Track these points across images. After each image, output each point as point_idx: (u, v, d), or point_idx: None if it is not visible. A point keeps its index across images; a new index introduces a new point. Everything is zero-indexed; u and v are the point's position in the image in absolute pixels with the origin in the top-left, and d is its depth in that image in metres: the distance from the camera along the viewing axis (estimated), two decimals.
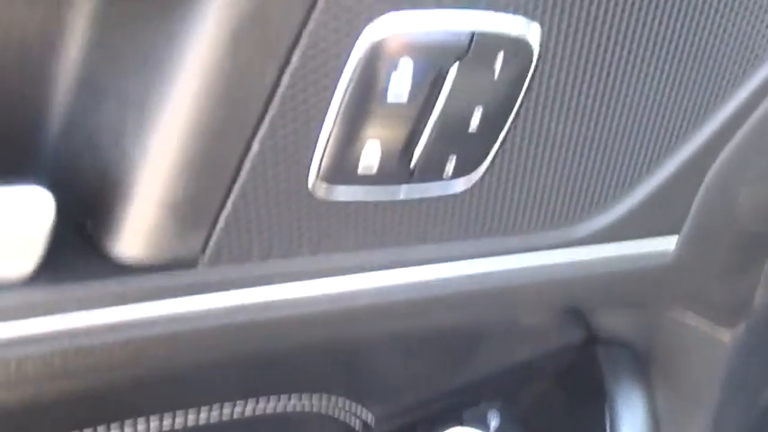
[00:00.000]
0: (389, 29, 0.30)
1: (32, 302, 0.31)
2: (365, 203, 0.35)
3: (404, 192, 0.35)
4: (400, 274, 0.38)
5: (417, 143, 0.33)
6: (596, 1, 0.34)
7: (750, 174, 0.45)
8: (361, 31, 0.30)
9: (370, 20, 0.30)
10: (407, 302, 0.39)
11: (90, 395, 0.35)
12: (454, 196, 0.37)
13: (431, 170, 0.35)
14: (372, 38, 0.30)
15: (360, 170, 0.33)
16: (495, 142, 0.36)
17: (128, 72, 0.30)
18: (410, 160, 0.34)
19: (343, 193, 0.34)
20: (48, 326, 0.31)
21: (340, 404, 0.50)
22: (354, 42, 0.30)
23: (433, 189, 0.36)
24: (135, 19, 0.29)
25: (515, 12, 0.32)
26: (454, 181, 0.36)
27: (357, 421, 0.52)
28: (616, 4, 0.35)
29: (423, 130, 0.33)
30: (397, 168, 0.34)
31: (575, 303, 0.46)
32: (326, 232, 0.35)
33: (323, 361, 0.47)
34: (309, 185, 0.33)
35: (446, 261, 0.39)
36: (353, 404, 0.50)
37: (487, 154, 0.36)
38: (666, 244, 0.46)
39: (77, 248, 0.33)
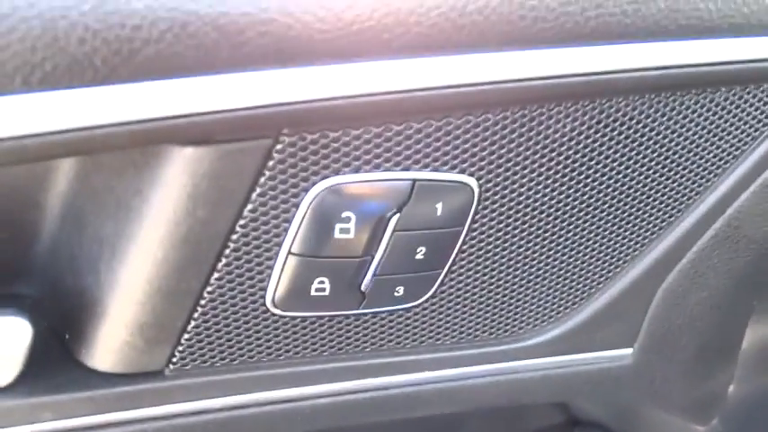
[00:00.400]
0: (333, 186, 0.34)
1: (11, 407, 0.35)
2: (321, 317, 0.38)
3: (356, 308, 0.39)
4: (358, 382, 0.41)
5: (366, 275, 0.36)
6: (531, 157, 0.37)
7: (702, 290, 0.47)
8: (307, 190, 0.33)
9: (313, 183, 0.33)
10: (365, 403, 0.43)
11: None
12: (407, 310, 0.40)
13: (381, 297, 0.38)
14: (317, 195, 0.33)
15: (312, 295, 0.36)
16: (441, 271, 0.38)
17: (103, 212, 0.34)
18: (360, 288, 0.37)
19: (299, 311, 0.38)
20: (26, 428, 0.36)
21: None
22: (300, 202, 0.33)
23: (386, 305, 0.39)
24: (112, 170, 0.33)
25: (452, 171, 0.35)
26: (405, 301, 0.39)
27: None
28: (551, 161, 0.38)
29: (370, 264, 0.36)
30: (347, 296, 0.37)
31: (534, 401, 0.49)
32: (284, 345, 0.39)
33: None
34: (267, 303, 0.36)
35: (402, 372, 0.42)
36: None
37: (434, 281, 0.39)
38: (622, 352, 0.48)
39: (56, 356, 0.37)
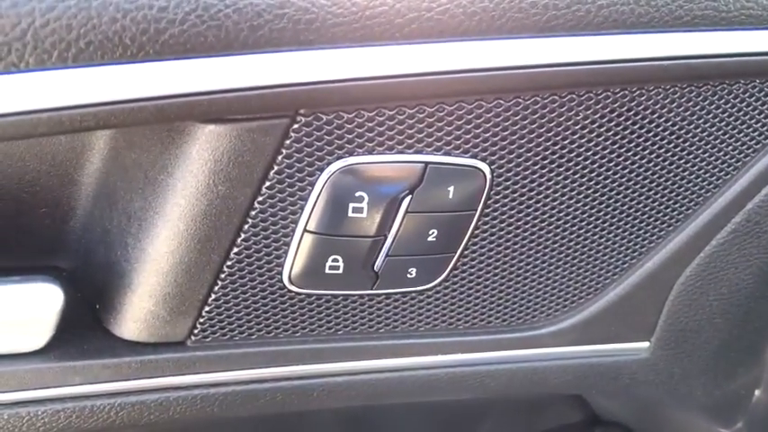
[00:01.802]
0: (347, 166, 0.35)
1: (44, 369, 0.37)
2: (336, 296, 0.40)
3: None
4: (371, 362, 0.43)
5: (378, 255, 0.38)
6: (544, 144, 0.38)
7: (721, 286, 0.47)
8: (322, 170, 0.35)
9: (329, 162, 0.35)
10: (378, 383, 0.44)
11: None
12: (420, 293, 0.41)
13: (394, 277, 0.39)
14: (332, 174, 0.35)
15: (327, 273, 0.38)
16: (453, 254, 0.39)
17: (132, 188, 0.36)
18: (373, 267, 0.38)
19: (315, 288, 0.39)
20: (55, 390, 0.38)
21: None
22: (315, 181, 0.35)
23: (399, 286, 0.40)
24: (141, 148, 0.35)
25: (464, 155, 0.36)
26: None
27: None
28: (564, 149, 0.39)
29: (383, 244, 0.37)
30: (361, 275, 0.38)
31: (548, 391, 0.49)
32: (300, 322, 0.40)
33: None
34: (284, 280, 0.38)
35: (415, 355, 0.43)
36: None
37: (447, 265, 0.40)
38: (639, 345, 0.48)
39: (87, 325, 0.39)
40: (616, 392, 0.53)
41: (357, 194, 0.36)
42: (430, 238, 0.38)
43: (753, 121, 0.41)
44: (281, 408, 0.42)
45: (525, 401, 0.66)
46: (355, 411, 0.60)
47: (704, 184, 0.42)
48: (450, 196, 0.37)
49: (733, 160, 0.42)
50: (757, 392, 0.60)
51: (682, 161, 0.41)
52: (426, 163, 0.36)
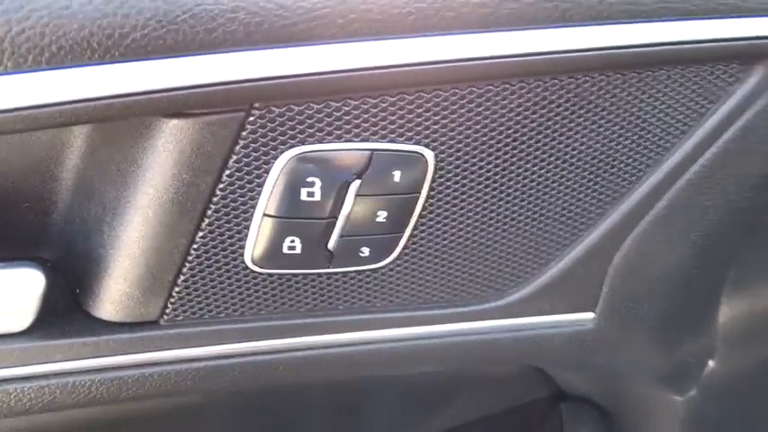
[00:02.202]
0: (299, 154, 0.39)
1: (28, 348, 0.41)
2: (296, 275, 0.43)
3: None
4: (333, 336, 0.46)
5: (332, 235, 0.41)
6: (482, 131, 0.42)
7: (657, 259, 0.51)
8: (276, 158, 0.39)
9: (282, 151, 0.38)
10: (340, 356, 0.47)
11: (74, 427, 0.45)
12: (374, 271, 0.45)
13: (348, 257, 0.43)
14: (286, 162, 0.39)
15: (285, 253, 0.42)
16: (402, 234, 0.43)
17: (107, 180, 0.39)
18: (328, 247, 0.42)
19: (275, 268, 0.43)
20: (39, 367, 0.41)
21: None
22: (271, 168, 0.39)
23: (353, 264, 0.44)
24: (113, 143, 0.38)
25: (408, 142, 0.40)
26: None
27: None
28: (501, 134, 0.42)
29: (335, 226, 0.41)
30: (317, 255, 0.42)
31: (503, 362, 0.53)
32: (264, 300, 0.44)
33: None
34: (246, 261, 0.42)
35: (374, 328, 0.47)
36: None
37: (397, 244, 0.43)
38: (584, 317, 0.52)
39: (67, 308, 0.42)
40: (569, 363, 0.57)
41: (309, 180, 0.39)
42: (379, 219, 0.42)
43: (678, 105, 0.45)
44: (249, 381, 0.46)
45: (494, 379, 0.69)
46: (335, 397, 0.64)
47: (636, 164, 0.46)
48: (397, 180, 0.41)
49: (662, 142, 0.46)
50: (711, 363, 0.64)
51: (615, 144, 0.45)
52: (372, 150, 0.40)
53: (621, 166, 0.46)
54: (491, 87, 0.41)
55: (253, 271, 0.42)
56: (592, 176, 0.46)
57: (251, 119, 0.37)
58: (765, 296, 0.65)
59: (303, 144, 0.39)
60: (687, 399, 0.62)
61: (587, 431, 0.69)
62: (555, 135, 0.43)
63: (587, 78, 0.42)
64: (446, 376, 0.65)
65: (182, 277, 0.42)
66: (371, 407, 0.66)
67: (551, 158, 0.44)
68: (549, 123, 0.43)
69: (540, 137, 0.43)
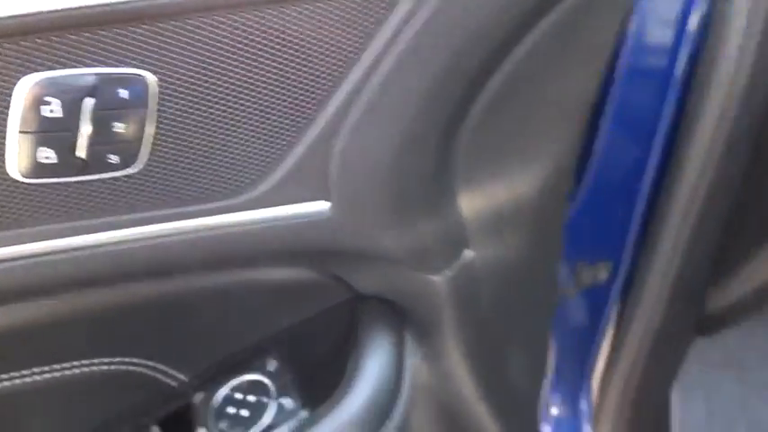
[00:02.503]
0: (39, 80, 0.50)
1: None
2: (54, 184, 0.54)
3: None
4: (99, 235, 0.58)
5: (77, 145, 0.52)
6: (189, 56, 0.53)
7: (369, 150, 0.63)
8: (18, 80, 0.49)
9: (25, 75, 0.50)
10: (110, 254, 0.58)
11: None
12: (130, 177, 0.56)
13: (100, 164, 0.54)
14: (28, 87, 0.50)
15: (42, 162, 0.52)
16: (140, 143, 0.55)
17: None
18: (77, 156, 0.53)
19: (36, 177, 0.54)
20: None
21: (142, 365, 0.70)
22: (12, 91, 0.50)
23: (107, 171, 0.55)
24: None
25: (129, 67, 0.52)
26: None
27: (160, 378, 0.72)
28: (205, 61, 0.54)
29: (78, 136, 0.52)
30: (71, 163, 0.53)
31: (258, 252, 0.64)
32: (34, 208, 0.55)
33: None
34: (8, 173, 0.52)
35: (130, 227, 0.58)
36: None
37: (138, 151, 0.55)
38: (322, 206, 0.65)
39: None
40: (319, 250, 0.67)
41: (47, 99, 0.51)
42: (117, 130, 0.53)
43: (349, 28, 0.56)
44: (39, 283, 0.57)
45: (291, 291, 0.78)
46: None
47: (328, 75, 0.57)
48: (126, 97, 0.53)
49: (343, 54, 0.56)
50: (468, 252, 0.75)
51: (299, 66, 0.57)
52: (100, 74, 0.52)
53: (317, 76, 0.57)
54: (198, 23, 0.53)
55: (16, 181, 0.53)
56: (293, 88, 0.57)
57: None
58: (499, 189, 0.76)
59: (43, 70, 0.50)
60: (447, 279, 0.72)
61: (380, 326, 0.77)
62: (251, 64, 0.55)
63: (250, 13, 0.53)
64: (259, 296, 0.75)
65: None
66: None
67: (252, 79, 0.55)
68: (239, 54, 0.54)
69: (239, 65, 0.55)
